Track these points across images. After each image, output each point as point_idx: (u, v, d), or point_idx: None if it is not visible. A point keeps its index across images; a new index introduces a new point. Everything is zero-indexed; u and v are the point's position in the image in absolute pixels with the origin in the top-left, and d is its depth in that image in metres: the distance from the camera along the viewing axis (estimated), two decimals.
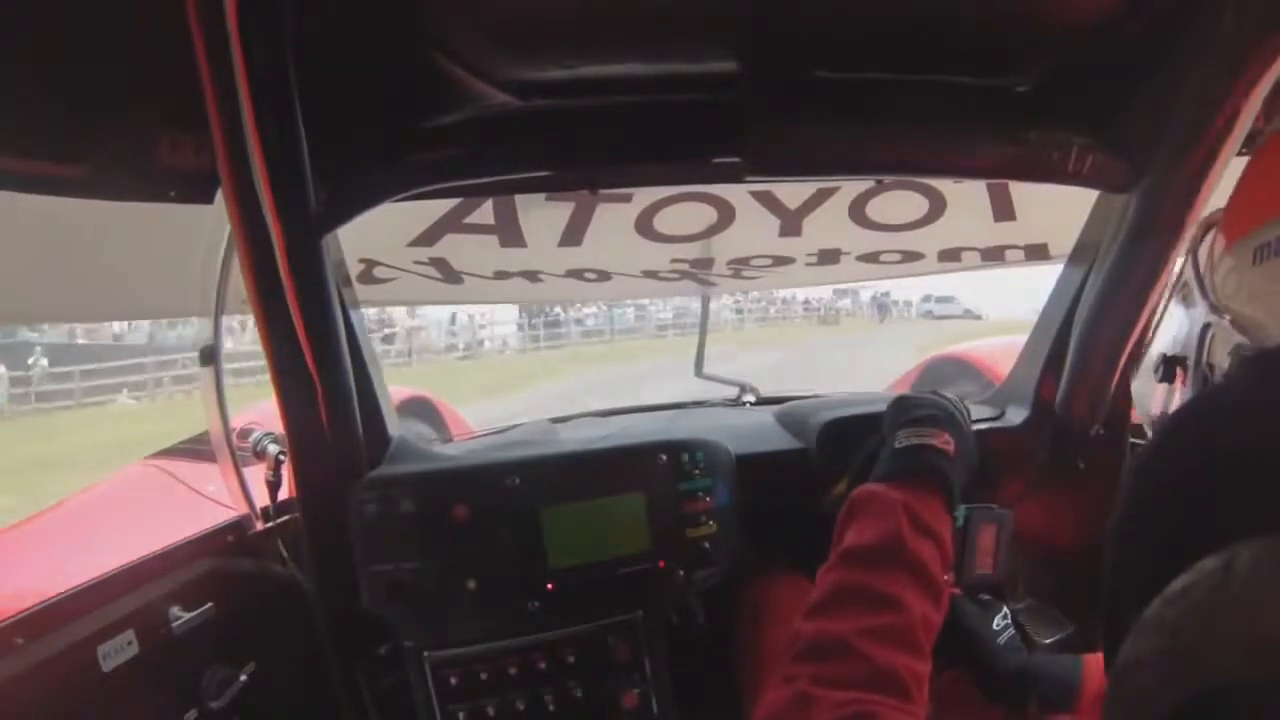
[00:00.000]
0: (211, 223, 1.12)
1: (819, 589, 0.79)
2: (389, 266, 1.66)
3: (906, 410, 0.96)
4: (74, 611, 0.94)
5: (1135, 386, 0.67)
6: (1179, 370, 0.54)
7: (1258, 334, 0.45)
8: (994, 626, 0.99)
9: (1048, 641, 1.21)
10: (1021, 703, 0.91)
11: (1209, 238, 0.55)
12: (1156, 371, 0.55)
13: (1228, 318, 0.47)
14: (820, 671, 0.68)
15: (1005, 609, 1.03)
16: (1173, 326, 0.59)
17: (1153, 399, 0.57)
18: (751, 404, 1.97)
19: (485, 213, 1.51)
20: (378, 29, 0.96)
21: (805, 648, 0.72)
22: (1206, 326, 0.49)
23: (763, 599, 1.27)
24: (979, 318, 28.79)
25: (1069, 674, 0.90)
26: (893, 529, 0.79)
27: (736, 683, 1.24)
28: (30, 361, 17.15)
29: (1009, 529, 1.03)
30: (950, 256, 1.88)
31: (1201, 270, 0.53)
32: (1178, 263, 0.60)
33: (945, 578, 0.81)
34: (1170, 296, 0.62)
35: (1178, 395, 0.54)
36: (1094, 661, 0.91)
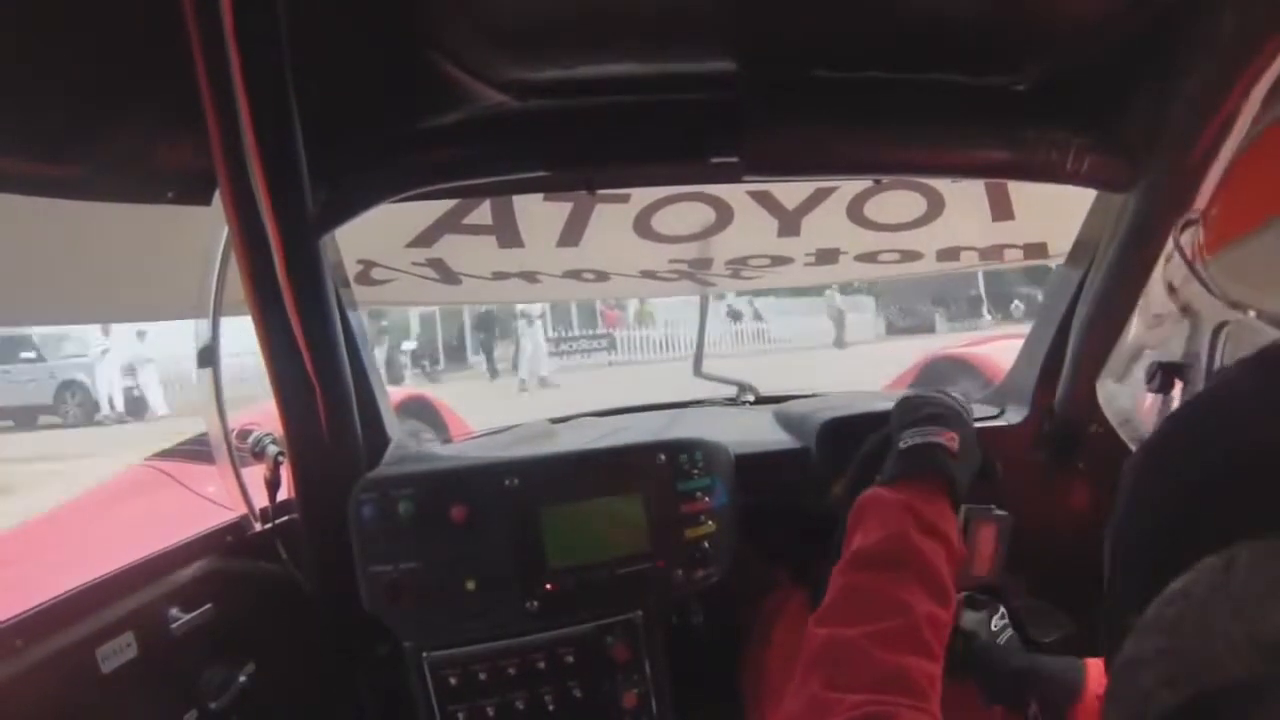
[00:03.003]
0: (209, 224, 1.11)
1: (830, 593, 0.79)
2: (387, 268, 1.66)
3: (911, 410, 0.96)
4: (73, 613, 0.93)
5: (1107, 390, 0.64)
6: (1176, 380, 0.52)
7: None
8: (992, 628, 0.99)
9: (1048, 641, 1.21)
10: (1022, 704, 0.91)
11: (1189, 236, 0.54)
12: (1151, 380, 0.53)
13: (1252, 313, 0.45)
14: (833, 676, 0.69)
15: (1002, 609, 1.02)
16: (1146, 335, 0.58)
17: (1138, 408, 0.56)
18: (750, 404, 1.97)
19: (483, 213, 1.51)
20: (374, 29, 0.96)
21: (817, 654, 0.73)
22: (1219, 328, 0.48)
23: (771, 612, 1.27)
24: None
25: (1070, 675, 0.90)
26: (897, 532, 0.80)
27: (740, 692, 1.24)
28: None
29: (1008, 532, 1.03)
30: (949, 256, 1.88)
31: (1199, 269, 0.51)
32: (1158, 267, 0.58)
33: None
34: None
35: (1175, 405, 0.52)
36: (1096, 665, 0.91)
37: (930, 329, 18.90)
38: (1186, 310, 0.51)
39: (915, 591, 0.76)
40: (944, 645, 0.76)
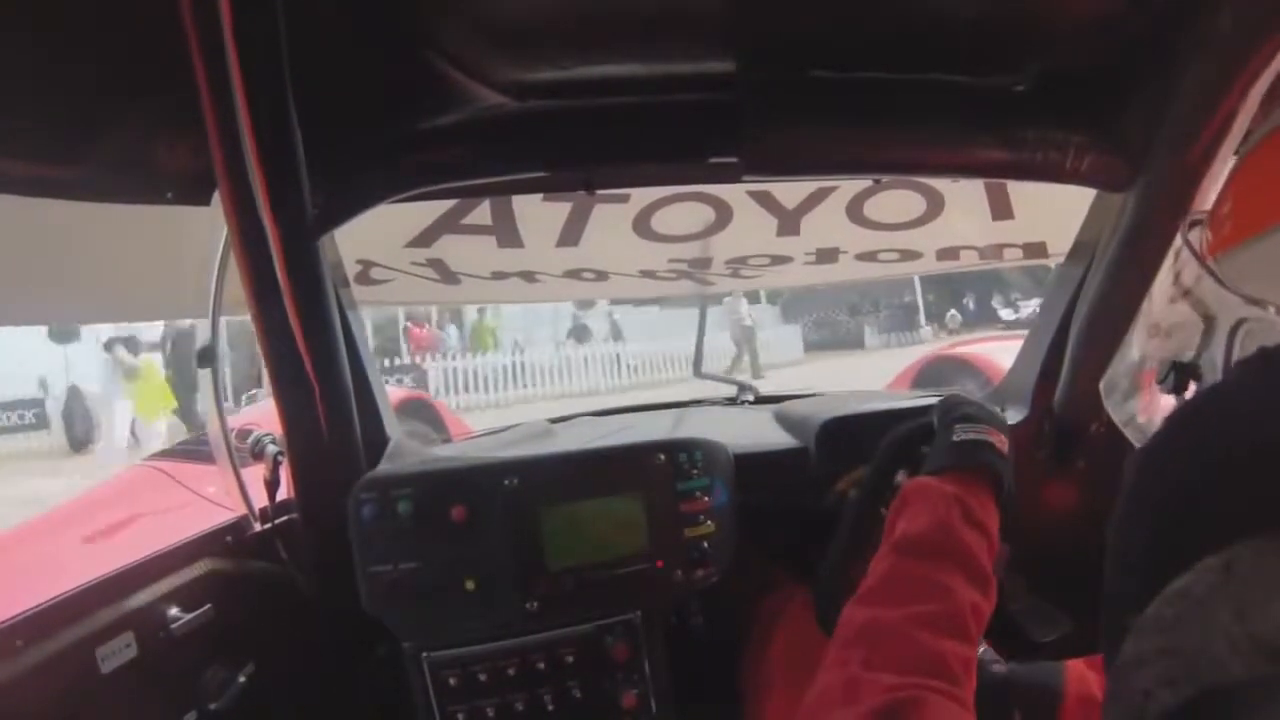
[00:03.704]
0: (209, 224, 1.11)
1: (871, 576, 0.80)
2: (386, 268, 1.66)
3: (958, 406, 0.97)
4: (73, 613, 0.93)
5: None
6: (1190, 381, 0.51)
7: None
8: None
9: (1047, 641, 1.21)
10: (1005, 715, 0.91)
11: (1196, 234, 0.54)
12: (1164, 381, 0.52)
13: (1272, 309, 0.45)
14: (870, 656, 0.69)
15: None
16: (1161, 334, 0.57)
17: (1148, 409, 0.56)
18: (750, 403, 1.97)
19: (482, 213, 1.51)
20: (373, 30, 0.96)
21: (856, 633, 0.73)
22: (1237, 325, 0.47)
23: (771, 612, 1.27)
24: None
25: (1051, 680, 0.90)
26: (943, 520, 0.81)
27: (740, 692, 1.24)
28: None
29: (1002, 564, 1.03)
30: (949, 255, 1.88)
31: (1212, 266, 0.51)
32: (1160, 274, 0.58)
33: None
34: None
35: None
36: (1074, 668, 0.91)
37: (858, 344, 15.72)
38: (1200, 309, 0.51)
39: (959, 579, 0.76)
40: (982, 633, 0.77)
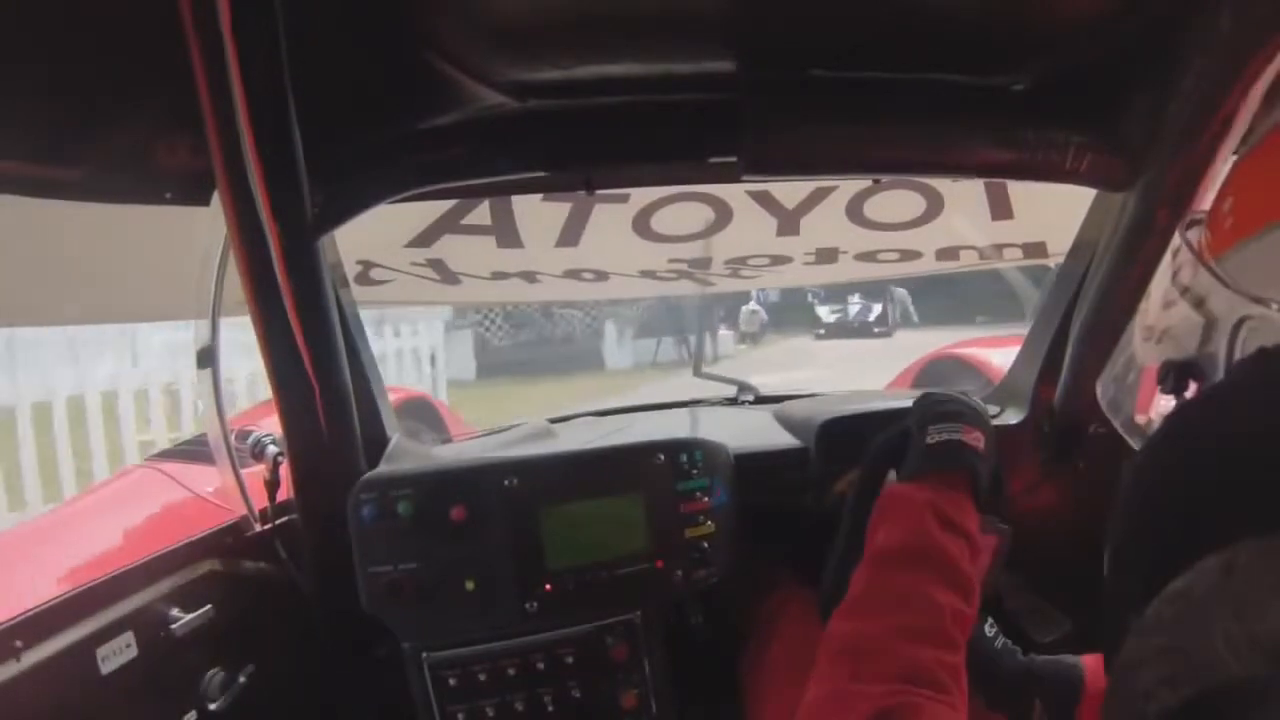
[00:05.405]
0: (209, 224, 1.11)
1: (853, 588, 0.81)
2: (386, 268, 1.66)
3: (933, 406, 0.96)
4: (73, 614, 0.93)
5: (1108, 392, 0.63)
6: (1190, 381, 0.50)
7: None
8: (986, 634, 0.98)
9: (1047, 641, 1.21)
10: (1025, 707, 0.90)
11: (1195, 234, 0.54)
12: (1164, 381, 0.51)
13: (1275, 306, 0.44)
14: (857, 669, 0.70)
15: (989, 617, 1.01)
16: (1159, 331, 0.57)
17: (1146, 411, 0.55)
18: (750, 403, 1.97)
19: (482, 213, 1.51)
20: (373, 30, 0.96)
21: (841, 647, 0.74)
22: (1240, 323, 0.46)
23: (771, 612, 1.27)
24: None
25: (1072, 673, 0.90)
26: (918, 529, 0.81)
27: (740, 692, 1.24)
28: None
29: (1006, 545, 1.02)
30: (948, 255, 1.88)
31: (1213, 265, 0.50)
32: (1164, 267, 0.58)
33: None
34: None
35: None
36: (1094, 661, 0.91)
37: (594, 362, 10.65)
38: (1200, 308, 0.50)
39: (938, 587, 0.77)
40: (966, 638, 0.77)
